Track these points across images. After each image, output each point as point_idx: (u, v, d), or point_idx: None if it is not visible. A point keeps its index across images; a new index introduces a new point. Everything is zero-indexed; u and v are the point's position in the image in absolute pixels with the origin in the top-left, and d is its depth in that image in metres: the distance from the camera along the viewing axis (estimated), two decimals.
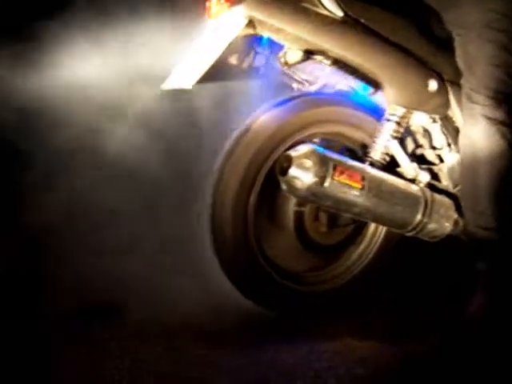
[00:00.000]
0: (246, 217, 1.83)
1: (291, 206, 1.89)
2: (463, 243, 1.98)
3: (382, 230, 2.04)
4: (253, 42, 1.82)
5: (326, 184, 1.67)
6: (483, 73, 1.87)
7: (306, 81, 1.99)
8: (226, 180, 1.80)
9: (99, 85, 1.80)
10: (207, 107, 1.83)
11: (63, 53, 1.79)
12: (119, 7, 1.87)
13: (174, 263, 1.88)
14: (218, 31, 1.74)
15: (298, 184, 1.66)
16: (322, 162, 1.67)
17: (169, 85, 1.78)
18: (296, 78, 1.98)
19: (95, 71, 1.79)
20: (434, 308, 1.99)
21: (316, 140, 1.92)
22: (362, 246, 2.06)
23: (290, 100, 1.88)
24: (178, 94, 1.77)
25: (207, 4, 1.80)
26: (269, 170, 1.84)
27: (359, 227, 2.03)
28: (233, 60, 1.84)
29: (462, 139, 1.93)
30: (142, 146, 1.80)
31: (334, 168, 1.68)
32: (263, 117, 1.83)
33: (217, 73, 1.78)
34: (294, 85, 2.01)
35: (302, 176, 1.66)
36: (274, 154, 1.83)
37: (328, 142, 1.90)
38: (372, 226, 2.04)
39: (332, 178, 1.67)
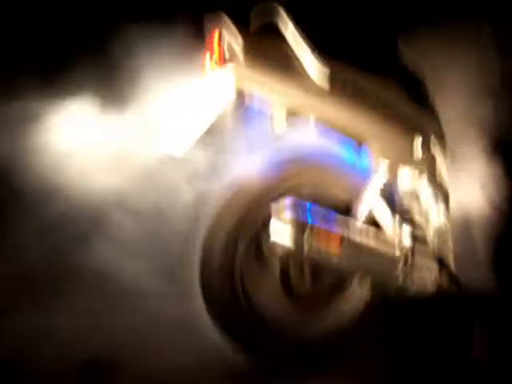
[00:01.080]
0: (233, 269, 1.89)
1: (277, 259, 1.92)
2: (458, 299, 1.99)
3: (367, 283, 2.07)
4: (242, 107, 1.87)
5: (304, 244, 1.71)
6: (466, 136, 1.90)
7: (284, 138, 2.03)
8: (215, 234, 1.86)
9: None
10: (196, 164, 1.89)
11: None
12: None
13: (165, 318, 1.93)
14: (209, 99, 1.79)
15: (277, 243, 1.71)
16: (300, 223, 1.72)
17: (159, 148, 1.85)
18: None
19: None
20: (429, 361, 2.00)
21: (301, 198, 1.96)
22: (347, 298, 2.08)
23: (279, 159, 1.93)
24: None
25: (201, 61, 1.86)
26: (256, 225, 1.89)
27: (345, 280, 2.06)
28: (222, 123, 1.90)
29: (451, 198, 1.96)
30: (126, 207, 1.86)
31: (312, 228, 1.73)
32: (251, 174, 1.88)
33: (207, 137, 1.85)
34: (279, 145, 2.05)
35: (280, 235, 1.71)
36: (261, 211, 1.88)
37: (312, 201, 1.94)
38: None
39: (309, 238, 1.71)
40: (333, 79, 1.81)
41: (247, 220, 1.85)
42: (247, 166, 1.87)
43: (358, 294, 2.09)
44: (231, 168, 1.86)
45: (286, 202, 1.75)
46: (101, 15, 2.12)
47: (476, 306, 1.94)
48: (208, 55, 1.82)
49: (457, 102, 1.93)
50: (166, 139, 1.78)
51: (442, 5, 1.98)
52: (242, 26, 1.81)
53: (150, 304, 1.95)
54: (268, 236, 1.75)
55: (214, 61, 1.78)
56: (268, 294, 1.98)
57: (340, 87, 1.83)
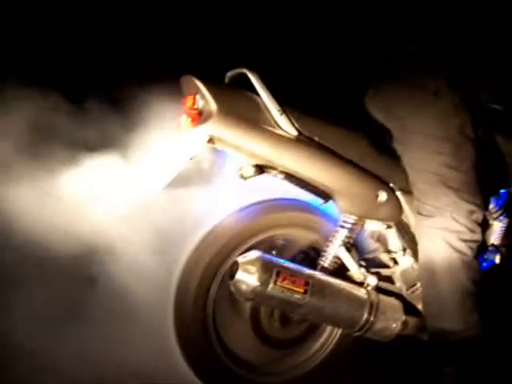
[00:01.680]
0: (206, 308, 1.99)
1: (248, 302, 2.04)
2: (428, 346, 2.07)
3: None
4: (214, 162, 2.02)
5: (269, 288, 1.82)
6: (425, 185, 2.02)
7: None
8: (189, 275, 1.97)
9: None
10: (172, 211, 2.01)
11: None
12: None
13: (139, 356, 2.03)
14: (183, 144, 1.94)
15: (243, 287, 1.82)
16: (266, 268, 1.83)
17: (139, 185, 2.00)
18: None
19: None
20: None
21: (276, 242, 2.09)
22: (319, 341, 2.18)
23: (251, 205, 2.06)
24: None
25: (178, 122, 2.02)
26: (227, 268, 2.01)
27: (316, 324, 2.16)
28: (200, 169, 2.05)
29: (419, 248, 2.07)
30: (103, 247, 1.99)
31: (278, 274, 1.83)
32: (227, 219, 2.01)
33: (184, 179, 1.99)
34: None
35: (247, 280, 1.82)
36: (235, 253, 2.01)
37: (283, 245, 2.06)
38: None
39: (275, 283, 1.82)
40: (301, 130, 1.95)
41: (219, 263, 1.97)
42: (220, 211, 2.00)
43: (330, 340, 2.20)
44: (204, 213, 1.99)
45: (253, 254, 1.85)
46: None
47: (444, 357, 2.01)
48: (183, 117, 1.97)
49: (418, 151, 2.05)
50: (146, 178, 1.93)
51: (403, 64, 2.13)
52: (215, 84, 1.96)
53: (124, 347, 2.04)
54: (232, 284, 1.86)
55: (188, 122, 1.93)
56: (239, 335, 2.07)
57: (308, 135, 1.96)
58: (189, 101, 1.94)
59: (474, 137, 2.05)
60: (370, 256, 2.16)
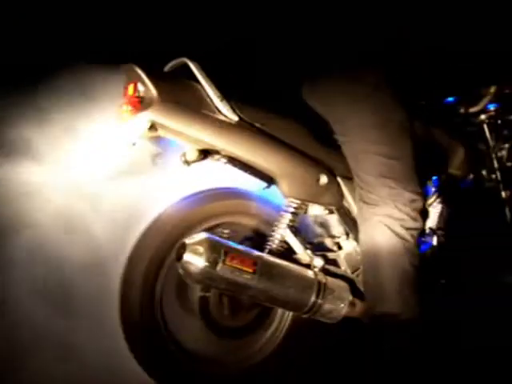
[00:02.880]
0: (153, 301, 1.93)
1: (196, 290, 1.99)
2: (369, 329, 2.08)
3: (290, 313, 2.14)
4: (159, 141, 1.99)
5: (218, 268, 1.78)
6: (367, 176, 2.06)
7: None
8: (135, 265, 1.90)
9: None
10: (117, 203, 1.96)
11: None
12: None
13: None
14: (124, 132, 1.91)
15: (192, 268, 1.78)
16: (214, 248, 1.79)
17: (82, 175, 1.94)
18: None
19: None
20: None
21: (221, 230, 2.06)
22: (270, 329, 2.14)
23: (196, 194, 2.03)
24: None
25: (118, 110, 1.99)
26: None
27: (266, 310, 2.13)
28: (143, 157, 2.01)
29: (360, 234, 2.09)
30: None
31: (226, 254, 1.80)
32: (172, 208, 1.97)
33: (126, 168, 1.95)
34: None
35: (195, 261, 1.78)
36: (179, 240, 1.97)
37: (228, 233, 2.03)
38: (279, 309, 2.14)
39: (223, 263, 1.79)
40: (242, 116, 1.95)
41: (164, 252, 1.92)
42: (164, 200, 1.96)
43: (281, 327, 2.17)
44: (148, 202, 1.94)
45: (200, 235, 1.82)
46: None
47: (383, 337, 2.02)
48: (124, 105, 1.94)
49: (358, 143, 2.10)
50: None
51: (341, 58, 2.18)
52: (156, 72, 1.94)
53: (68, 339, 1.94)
54: (180, 266, 1.81)
55: (129, 110, 1.90)
56: (188, 324, 2.01)
57: (248, 120, 1.97)
58: (130, 89, 1.91)
59: (411, 128, 2.11)
60: (315, 240, 2.17)
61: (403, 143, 2.09)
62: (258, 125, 2.01)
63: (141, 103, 1.91)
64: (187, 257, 1.77)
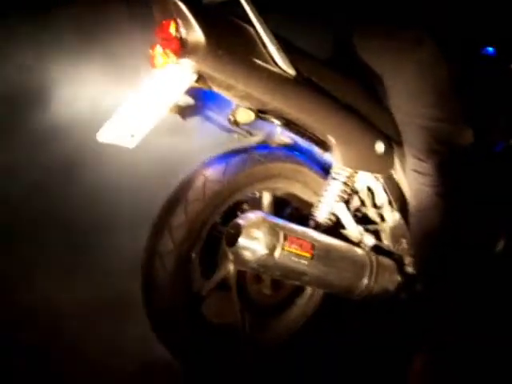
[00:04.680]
0: (188, 274, 1.66)
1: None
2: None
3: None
4: (203, 101, 1.64)
5: (276, 255, 1.51)
6: (418, 141, 1.82)
7: (248, 132, 1.82)
8: (168, 235, 1.60)
9: None
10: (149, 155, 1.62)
11: None
12: None
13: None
14: (163, 85, 1.53)
15: (248, 255, 1.49)
16: (273, 232, 1.51)
17: (106, 137, 1.55)
18: (238, 129, 1.81)
19: None
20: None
21: (266, 195, 1.77)
22: (300, 306, 1.92)
23: (237, 154, 1.71)
24: None
25: (150, 52, 1.60)
26: (212, 226, 1.67)
27: (298, 288, 1.90)
28: (174, 111, 1.65)
29: (411, 205, 1.88)
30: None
31: (285, 238, 1.52)
32: (209, 170, 1.66)
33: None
34: (235, 135, 1.83)
35: (252, 247, 1.49)
36: (220, 209, 1.68)
37: (274, 199, 1.75)
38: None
39: (282, 249, 1.52)
40: (299, 67, 1.61)
41: (207, 218, 1.63)
42: (211, 161, 1.64)
43: (310, 304, 1.95)
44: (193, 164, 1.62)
45: (256, 215, 1.52)
46: None
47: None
48: (160, 48, 1.56)
49: (403, 105, 1.83)
50: (115, 123, 1.51)
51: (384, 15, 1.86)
52: (201, 8, 1.55)
53: None
54: (232, 252, 1.53)
55: (169, 55, 1.52)
56: (222, 304, 1.77)
57: (306, 76, 1.64)
58: (171, 27, 1.52)
59: (461, 85, 1.85)
60: (359, 212, 1.91)
61: (452, 104, 1.84)
62: (314, 80, 1.68)
63: (182, 47, 1.52)
64: (242, 241, 1.48)
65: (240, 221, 1.50)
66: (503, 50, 2.17)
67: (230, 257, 1.54)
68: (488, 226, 1.99)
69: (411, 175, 1.87)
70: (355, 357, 1.88)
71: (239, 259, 1.51)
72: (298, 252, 1.54)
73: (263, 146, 1.78)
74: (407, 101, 1.82)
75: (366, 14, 1.89)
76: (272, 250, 1.50)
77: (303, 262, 1.56)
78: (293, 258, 1.54)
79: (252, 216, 1.52)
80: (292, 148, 1.79)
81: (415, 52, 1.79)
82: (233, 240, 1.49)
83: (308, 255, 1.57)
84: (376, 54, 1.85)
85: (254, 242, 1.48)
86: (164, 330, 1.70)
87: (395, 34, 1.81)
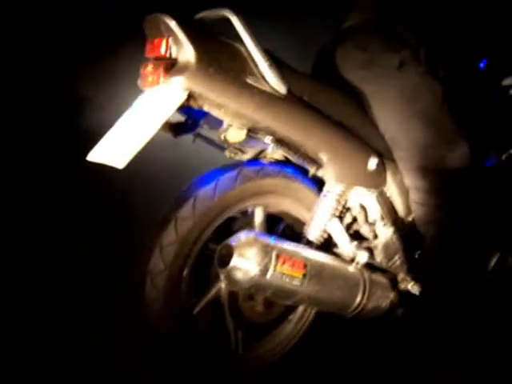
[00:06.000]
0: (179, 293, 1.62)
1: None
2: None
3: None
4: (187, 110, 1.61)
5: (269, 275, 1.48)
6: (408, 149, 1.80)
7: (239, 149, 1.80)
8: (159, 254, 1.57)
9: None
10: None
11: None
12: None
13: None
14: (154, 104, 1.51)
15: (240, 276, 1.46)
16: (265, 252, 1.48)
17: (97, 157, 1.52)
18: (229, 146, 1.78)
19: None
20: None
21: (258, 211, 1.74)
22: (292, 323, 1.89)
23: (227, 170, 1.68)
24: None
25: (142, 71, 1.57)
26: (204, 244, 1.65)
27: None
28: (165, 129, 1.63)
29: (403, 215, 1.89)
30: None
31: (277, 257, 1.50)
32: (200, 187, 1.63)
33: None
34: (226, 152, 1.81)
35: (244, 268, 1.46)
36: (211, 227, 1.65)
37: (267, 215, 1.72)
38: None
39: (274, 269, 1.49)
40: (290, 85, 1.59)
41: (198, 236, 1.61)
42: (201, 179, 1.62)
43: (303, 321, 1.92)
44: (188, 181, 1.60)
45: (247, 235, 1.49)
46: None
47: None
48: (150, 67, 1.53)
49: (389, 130, 1.82)
50: (105, 143, 1.48)
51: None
52: (192, 26, 1.53)
53: None
54: (225, 272, 1.50)
55: (159, 73, 1.50)
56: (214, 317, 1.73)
57: (297, 94, 1.62)
58: (162, 45, 1.50)
59: (450, 103, 1.84)
60: (352, 228, 1.89)
61: (442, 125, 1.84)
62: (305, 98, 1.65)
63: (172, 66, 1.50)
64: (235, 262, 1.45)
65: (231, 242, 1.47)
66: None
67: (222, 278, 1.51)
68: (482, 240, 1.97)
69: (404, 191, 1.85)
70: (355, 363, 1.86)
71: (231, 280, 1.48)
72: (290, 272, 1.52)
73: (254, 162, 1.75)
74: (393, 127, 1.81)
75: (350, 42, 1.86)
76: (264, 270, 1.47)
77: (295, 281, 1.53)
78: (285, 277, 1.51)
79: (243, 236, 1.49)
80: (283, 164, 1.76)
81: (396, 78, 1.77)
82: (224, 261, 1.46)
83: (300, 275, 1.54)
84: (359, 84, 1.81)
85: (246, 263, 1.46)
86: (157, 349, 1.66)
87: (375, 61, 1.79)
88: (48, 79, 2.11)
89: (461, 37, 2.03)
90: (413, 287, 1.81)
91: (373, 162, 1.77)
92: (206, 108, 1.55)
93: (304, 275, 1.55)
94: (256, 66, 1.57)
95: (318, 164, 1.70)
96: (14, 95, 2.09)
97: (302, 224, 1.79)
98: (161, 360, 1.68)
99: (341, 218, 1.81)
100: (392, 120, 1.81)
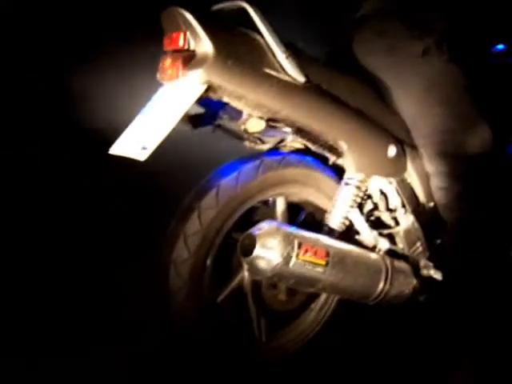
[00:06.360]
0: (202, 281, 1.63)
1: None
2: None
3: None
4: (207, 102, 1.62)
5: (291, 264, 1.49)
6: (430, 150, 1.80)
7: (260, 139, 1.81)
8: (183, 243, 1.59)
9: None
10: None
11: None
12: None
13: None
14: (173, 97, 1.52)
15: (263, 265, 1.47)
16: (287, 241, 1.48)
17: (118, 150, 1.54)
18: (249, 137, 1.79)
19: None
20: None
21: (279, 201, 1.75)
22: (315, 311, 1.90)
23: (249, 160, 1.69)
24: None
25: (161, 65, 1.58)
26: (227, 233, 1.66)
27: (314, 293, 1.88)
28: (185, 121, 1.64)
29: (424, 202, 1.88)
30: None
31: (299, 246, 1.50)
32: (222, 178, 1.64)
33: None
34: (246, 142, 1.82)
35: (267, 257, 1.47)
36: (234, 216, 1.66)
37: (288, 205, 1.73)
38: None
39: (297, 257, 1.49)
40: (308, 74, 1.59)
41: (221, 225, 1.62)
42: (223, 169, 1.63)
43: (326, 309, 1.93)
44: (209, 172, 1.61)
45: (270, 224, 1.50)
46: None
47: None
48: (169, 60, 1.54)
49: (412, 118, 1.81)
50: (127, 136, 1.50)
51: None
52: (209, 19, 1.54)
53: None
54: (247, 262, 1.51)
55: (178, 66, 1.51)
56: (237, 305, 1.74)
57: (316, 83, 1.61)
58: (180, 39, 1.50)
59: (472, 89, 1.83)
60: (373, 216, 1.88)
61: (464, 110, 1.83)
62: (324, 86, 1.65)
63: (191, 59, 1.51)
64: (258, 251, 1.46)
65: (254, 231, 1.48)
66: None
67: (245, 267, 1.52)
68: (502, 229, 1.95)
69: (425, 177, 1.84)
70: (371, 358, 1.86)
71: (254, 269, 1.49)
72: (313, 260, 1.52)
73: (275, 152, 1.76)
74: (415, 114, 1.80)
75: (369, 28, 1.85)
76: (287, 259, 1.48)
77: (318, 269, 1.54)
78: (308, 266, 1.52)
79: (266, 226, 1.50)
80: (304, 153, 1.76)
81: (419, 65, 1.77)
82: (247, 250, 1.47)
83: (323, 262, 1.54)
84: (380, 70, 1.81)
85: (269, 252, 1.46)
86: (181, 337, 1.68)
87: (399, 48, 1.78)
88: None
89: (480, 22, 2.01)
90: (435, 273, 1.80)
91: (392, 150, 1.76)
92: (225, 99, 1.55)
93: (326, 263, 1.55)
94: (274, 55, 1.57)
95: (338, 153, 1.69)
96: (14, 95, 2.07)
97: (323, 212, 1.79)
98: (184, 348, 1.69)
99: (362, 205, 1.81)
100: (413, 106, 1.80)
